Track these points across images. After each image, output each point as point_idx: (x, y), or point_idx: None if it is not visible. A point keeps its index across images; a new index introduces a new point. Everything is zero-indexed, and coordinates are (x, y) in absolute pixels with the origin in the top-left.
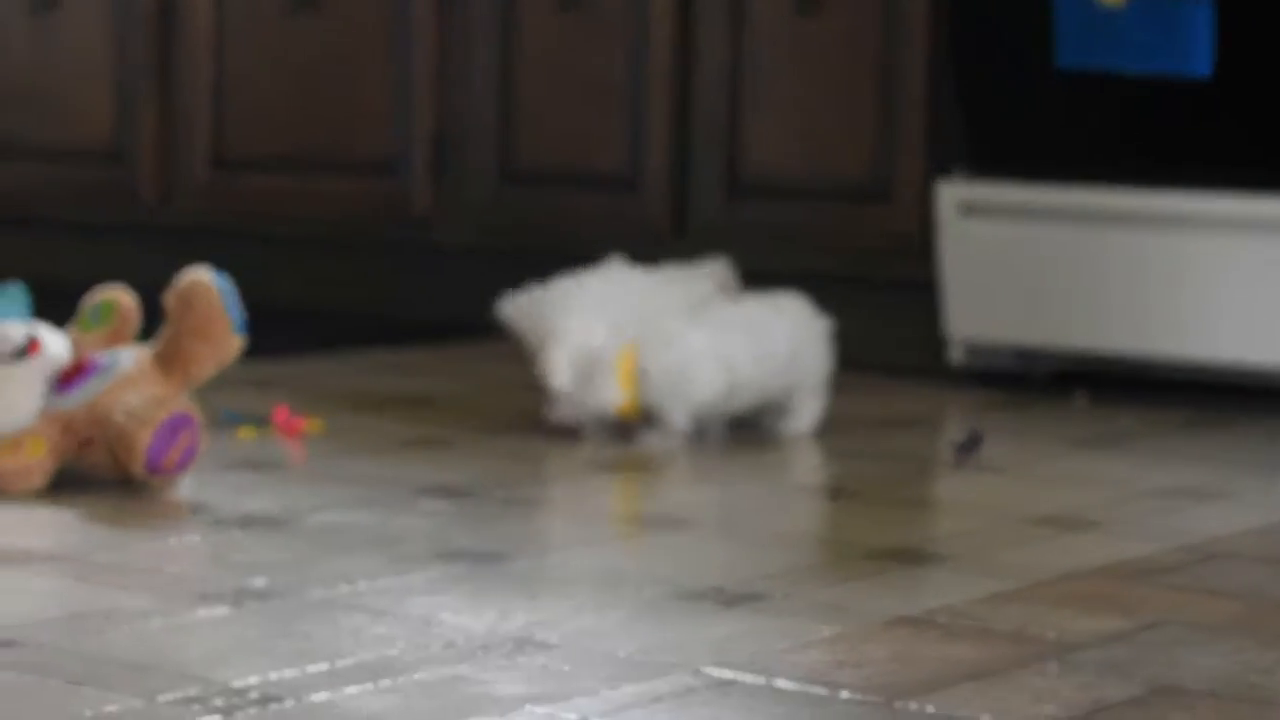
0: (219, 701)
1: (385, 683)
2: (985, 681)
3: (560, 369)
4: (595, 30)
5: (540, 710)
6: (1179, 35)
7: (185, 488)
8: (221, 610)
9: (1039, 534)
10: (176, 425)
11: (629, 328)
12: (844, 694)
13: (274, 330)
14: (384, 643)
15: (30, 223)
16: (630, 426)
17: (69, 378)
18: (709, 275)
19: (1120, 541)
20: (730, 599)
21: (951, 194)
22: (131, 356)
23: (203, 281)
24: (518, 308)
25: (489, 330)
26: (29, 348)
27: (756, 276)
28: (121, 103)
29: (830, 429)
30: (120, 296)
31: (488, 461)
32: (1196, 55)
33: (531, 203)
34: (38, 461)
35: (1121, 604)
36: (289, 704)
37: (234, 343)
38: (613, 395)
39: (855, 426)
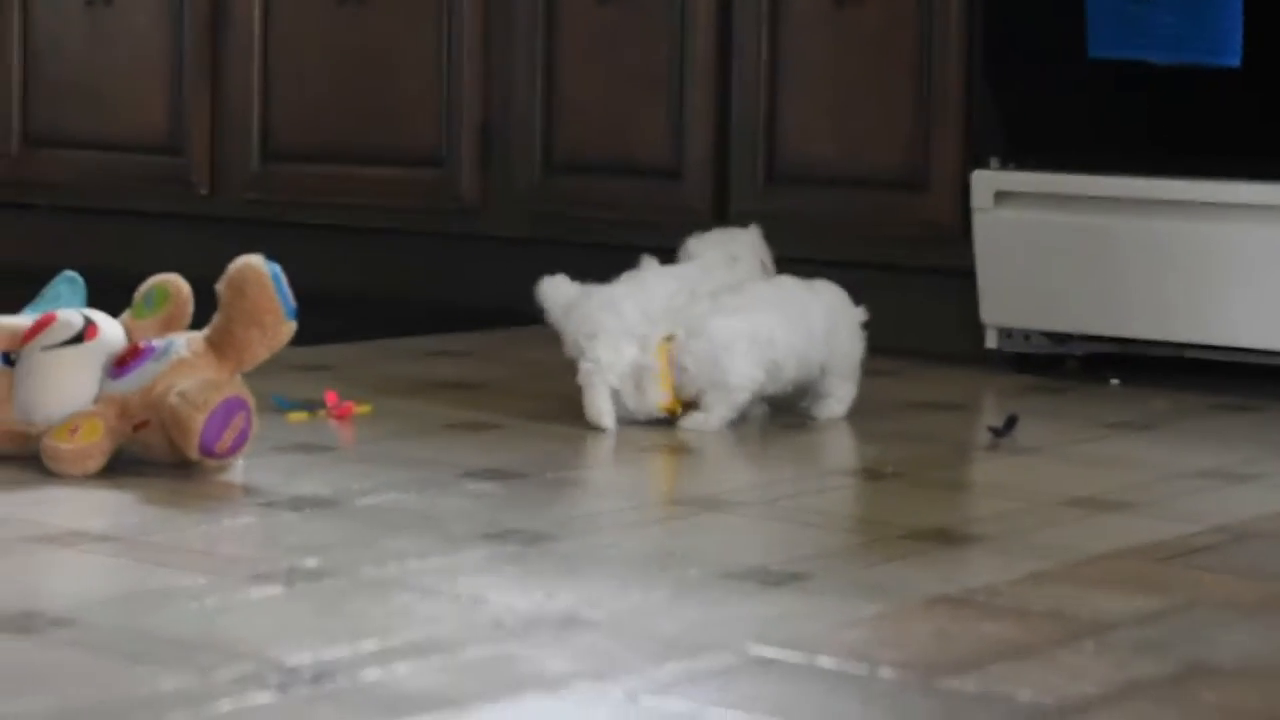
0: (273, 679)
1: (435, 660)
2: (1023, 660)
3: (604, 413)
4: (637, 22)
5: (586, 687)
6: (1209, 26)
7: (238, 470)
8: (274, 590)
9: (1074, 515)
10: (230, 409)
11: (666, 326)
12: (884, 672)
13: (324, 316)
14: (433, 621)
15: (86, 212)
16: (678, 417)
17: (124, 362)
18: (748, 247)
19: (1154, 523)
20: (773, 579)
21: (986, 183)
22: (185, 342)
23: (254, 268)
24: (556, 304)
25: (534, 317)
26: (86, 332)
27: (795, 264)
28: (175, 95)
29: (869, 412)
30: (174, 283)
31: (534, 444)
32: (1227, 46)
33: (575, 191)
34: (94, 444)
35: (1155, 584)
36: (341, 681)
37: (285, 328)
38: (658, 398)
39: (894, 410)
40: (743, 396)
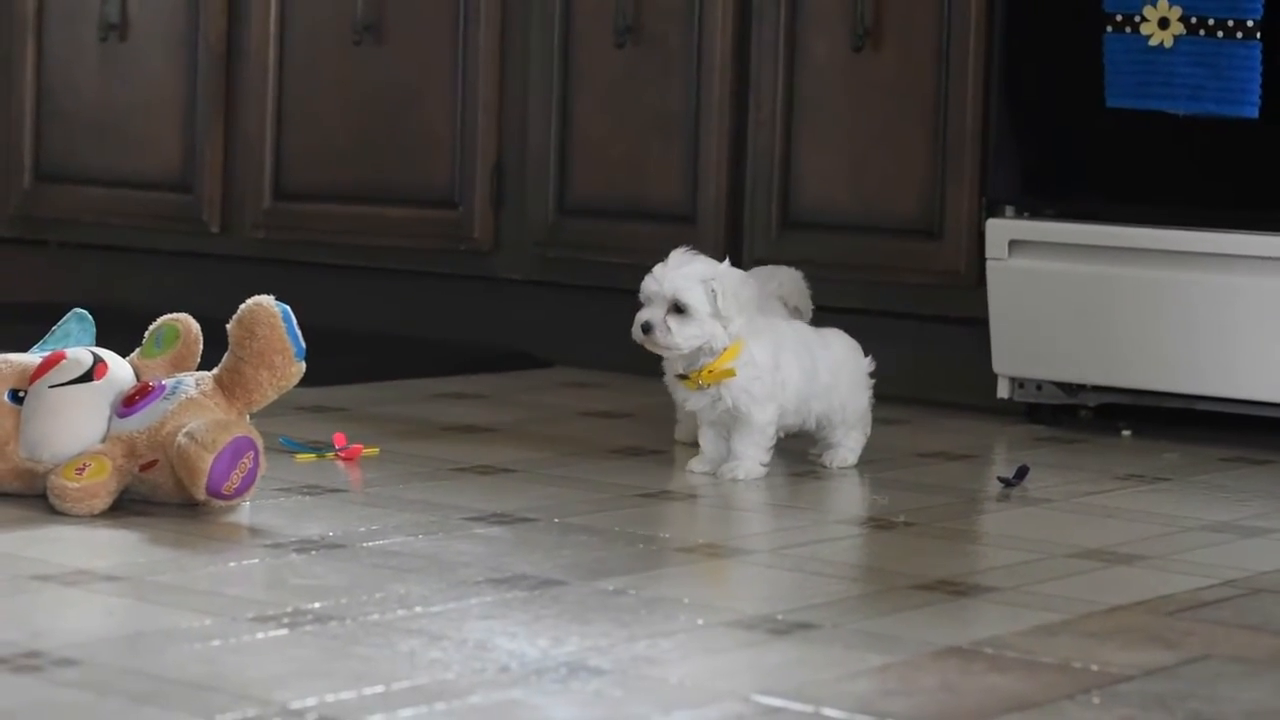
0: None
1: (440, 706)
2: (1030, 712)
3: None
4: (653, 64)
5: None
6: (1228, 76)
7: (245, 511)
8: (280, 632)
9: (1084, 567)
10: (238, 449)
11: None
12: None
13: (334, 357)
14: (439, 666)
15: (97, 249)
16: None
17: (133, 401)
18: (791, 285)
19: (1164, 576)
20: (781, 628)
21: (1001, 232)
22: (194, 381)
23: (265, 308)
24: None
25: (545, 360)
26: (95, 371)
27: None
28: (187, 132)
29: (880, 461)
30: (184, 322)
31: (543, 489)
32: (1245, 97)
33: (588, 234)
34: (101, 483)
35: (1165, 638)
36: None
37: (295, 369)
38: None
39: (905, 459)
40: (770, 432)
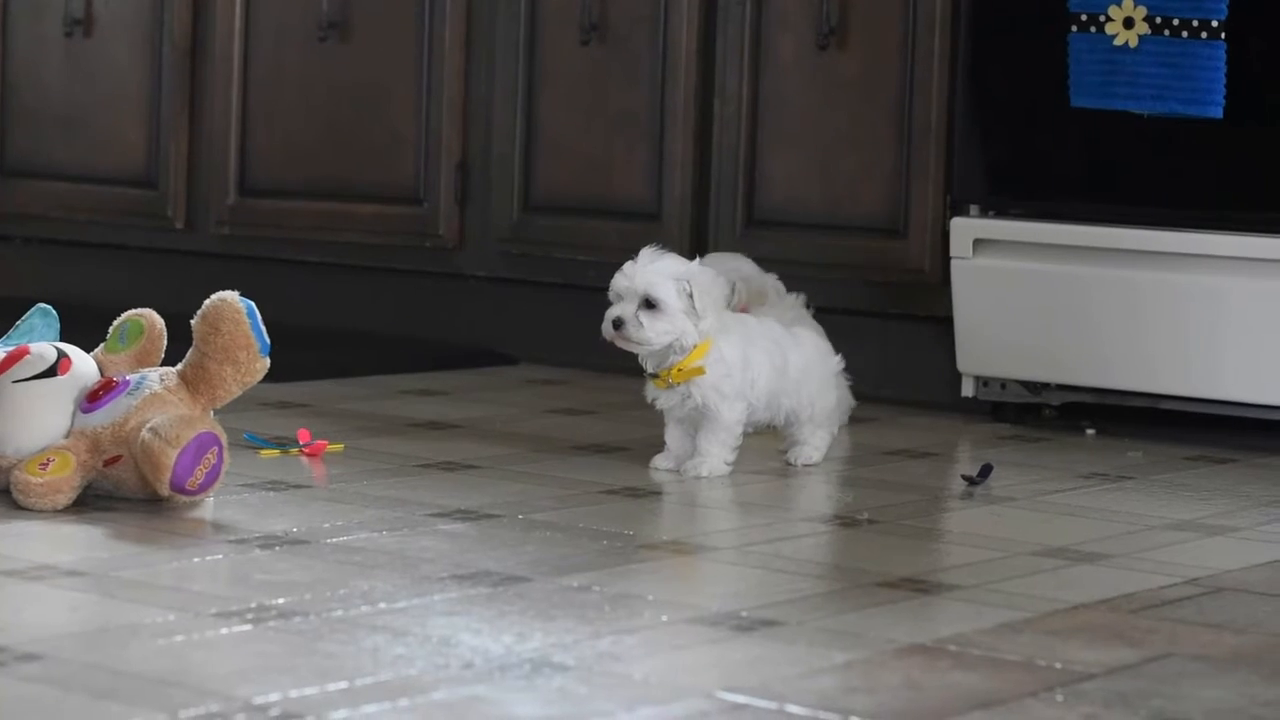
0: (240, 718)
1: (404, 702)
2: (994, 710)
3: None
4: (618, 62)
5: None
6: (1193, 76)
7: (209, 507)
8: (243, 628)
9: (1048, 565)
10: (202, 445)
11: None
12: None
13: (298, 354)
14: (403, 662)
15: (62, 244)
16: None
17: (97, 396)
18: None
19: (1127, 574)
20: (745, 624)
21: (966, 230)
22: (158, 377)
23: (229, 304)
24: None
25: (512, 356)
26: (59, 366)
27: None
28: (152, 128)
29: (845, 459)
30: (148, 318)
31: (508, 485)
32: (1210, 97)
33: (553, 231)
34: (65, 478)
35: (1128, 636)
36: None
37: (259, 365)
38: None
39: (870, 457)
40: (738, 431)
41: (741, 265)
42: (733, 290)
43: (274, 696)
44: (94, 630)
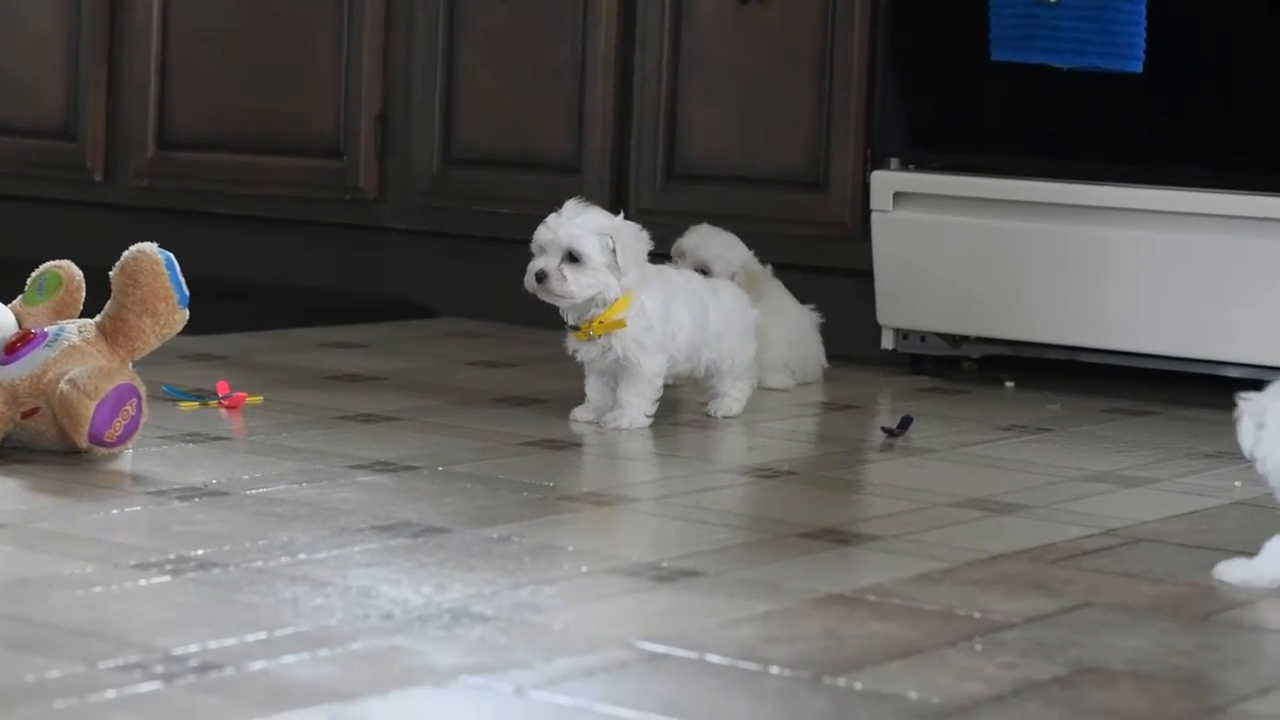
0: (159, 669)
1: (323, 652)
2: (913, 659)
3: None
4: (539, 15)
5: (476, 681)
6: (1112, 31)
7: (127, 459)
8: (162, 579)
9: (967, 516)
10: (121, 397)
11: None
12: (774, 669)
13: (217, 306)
14: (322, 613)
15: None
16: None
17: (14, 348)
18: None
19: (1046, 525)
20: (664, 575)
21: (886, 183)
22: (77, 329)
23: (148, 256)
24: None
25: (430, 310)
26: None
27: None
28: (71, 79)
29: (765, 411)
30: (66, 269)
31: (428, 437)
32: (1130, 51)
33: (474, 184)
34: None
35: (1047, 586)
36: (228, 672)
37: (178, 317)
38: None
39: (789, 408)
40: (658, 384)
41: (729, 245)
42: (732, 277)
43: (193, 647)
44: (12, 581)
